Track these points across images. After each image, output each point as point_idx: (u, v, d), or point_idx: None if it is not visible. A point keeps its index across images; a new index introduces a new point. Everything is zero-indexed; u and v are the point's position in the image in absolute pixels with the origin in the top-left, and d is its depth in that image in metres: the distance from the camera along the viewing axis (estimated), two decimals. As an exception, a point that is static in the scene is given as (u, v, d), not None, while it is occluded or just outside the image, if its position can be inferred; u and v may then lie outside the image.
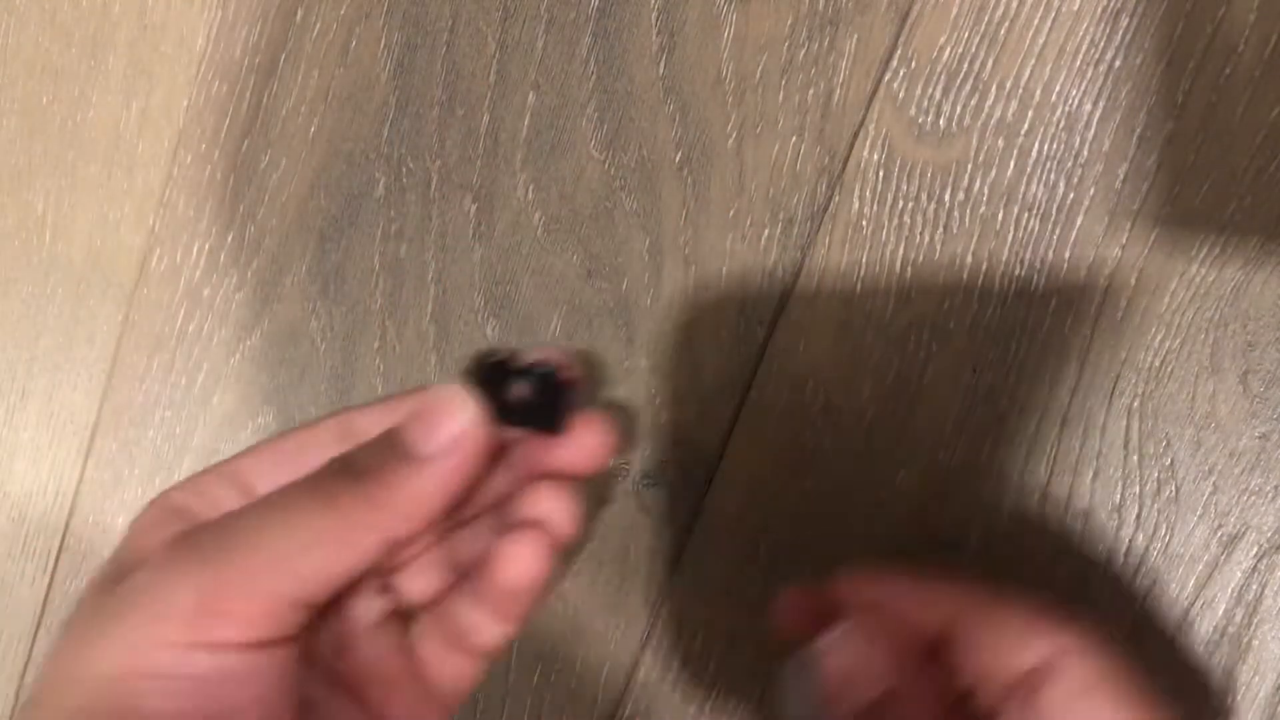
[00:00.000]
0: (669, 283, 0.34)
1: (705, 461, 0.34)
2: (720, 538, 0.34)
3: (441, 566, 0.31)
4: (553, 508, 0.27)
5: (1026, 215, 0.31)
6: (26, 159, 0.39)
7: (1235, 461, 0.30)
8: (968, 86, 0.31)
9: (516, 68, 0.34)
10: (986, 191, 0.31)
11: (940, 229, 0.32)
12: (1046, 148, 0.31)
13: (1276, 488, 0.30)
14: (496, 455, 0.29)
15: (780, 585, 0.31)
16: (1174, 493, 0.31)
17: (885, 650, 0.28)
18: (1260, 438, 0.30)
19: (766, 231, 0.33)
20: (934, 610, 0.27)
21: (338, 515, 0.24)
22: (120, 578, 0.26)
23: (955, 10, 0.31)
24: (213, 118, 0.37)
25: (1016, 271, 0.31)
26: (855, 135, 0.32)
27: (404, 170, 0.35)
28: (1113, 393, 0.31)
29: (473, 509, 0.30)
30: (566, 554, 0.28)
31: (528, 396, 0.27)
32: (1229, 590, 0.30)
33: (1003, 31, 0.31)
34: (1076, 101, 0.31)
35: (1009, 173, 0.31)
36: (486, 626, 0.28)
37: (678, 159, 0.33)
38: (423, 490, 0.25)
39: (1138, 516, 0.31)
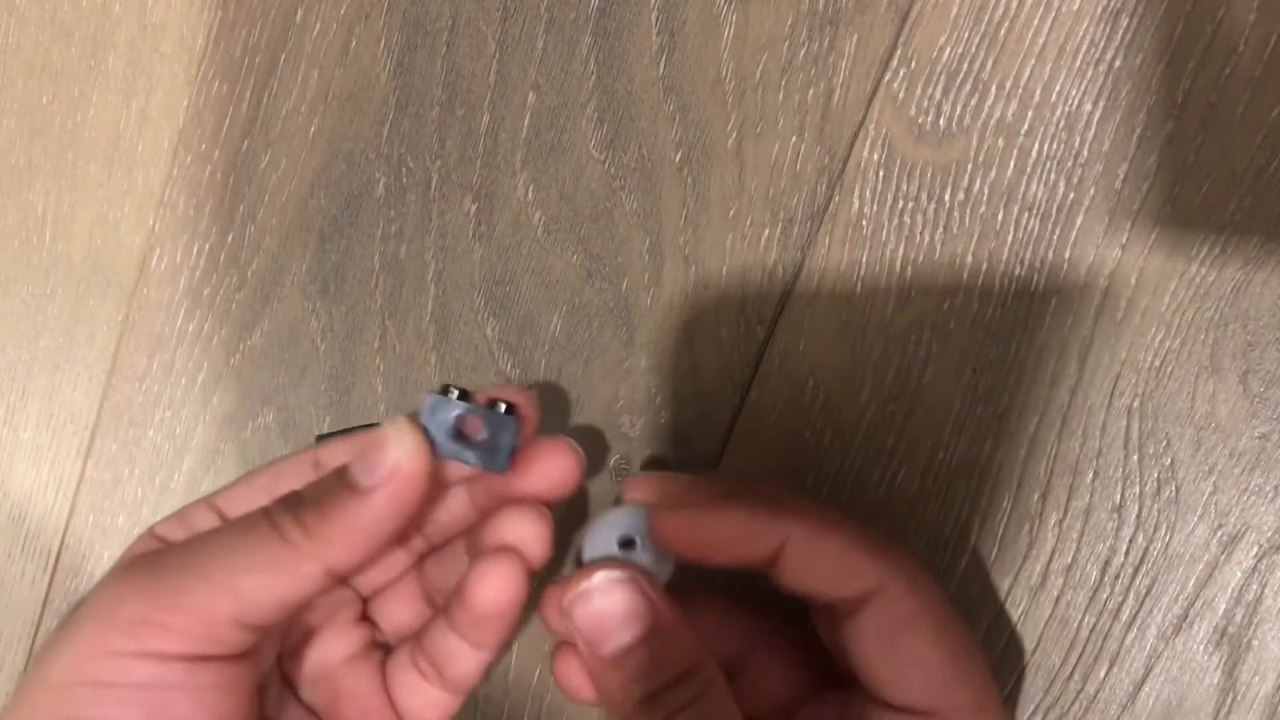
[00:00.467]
0: (669, 283, 0.34)
1: (705, 461, 0.34)
2: (720, 538, 0.34)
3: (417, 596, 0.31)
4: (523, 533, 0.28)
5: (1026, 215, 0.31)
6: (26, 159, 0.39)
7: (1235, 461, 0.30)
8: (968, 86, 0.31)
9: (516, 68, 0.34)
10: (986, 191, 0.31)
11: (940, 229, 0.32)
12: (1046, 148, 0.31)
13: (1276, 488, 0.30)
14: (461, 483, 0.30)
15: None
16: (1174, 493, 0.31)
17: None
18: (1260, 438, 0.30)
19: (766, 231, 0.33)
20: (761, 542, 0.27)
21: (277, 542, 0.25)
22: None
23: (955, 10, 0.31)
24: (213, 118, 0.37)
25: (1016, 271, 0.31)
26: (855, 135, 0.32)
27: (404, 170, 0.35)
28: (1113, 393, 0.31)
29: (445, 535, 0.31)
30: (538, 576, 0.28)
31: (474, 432, 0.27)
32: (1229, 590, 0.30)
33: (1003, 31, 0.31)
34: (1076, 101, 0.31)
35: (1009, 173, 0.31)
36: (463, 654, 0.29)
37: (678, 159, 0.33)
38: (360, 520, 0.25)
39: (1138, 516, 0.31)
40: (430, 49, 0.35)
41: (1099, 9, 0.30)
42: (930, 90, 0.31)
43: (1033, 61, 0.31)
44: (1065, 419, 0.31)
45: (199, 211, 0.37)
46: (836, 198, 0.32)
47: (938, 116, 0.31)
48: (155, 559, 0.26)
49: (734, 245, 0.33)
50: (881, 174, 0.32)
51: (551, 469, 0.28)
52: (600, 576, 0.27)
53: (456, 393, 0.27)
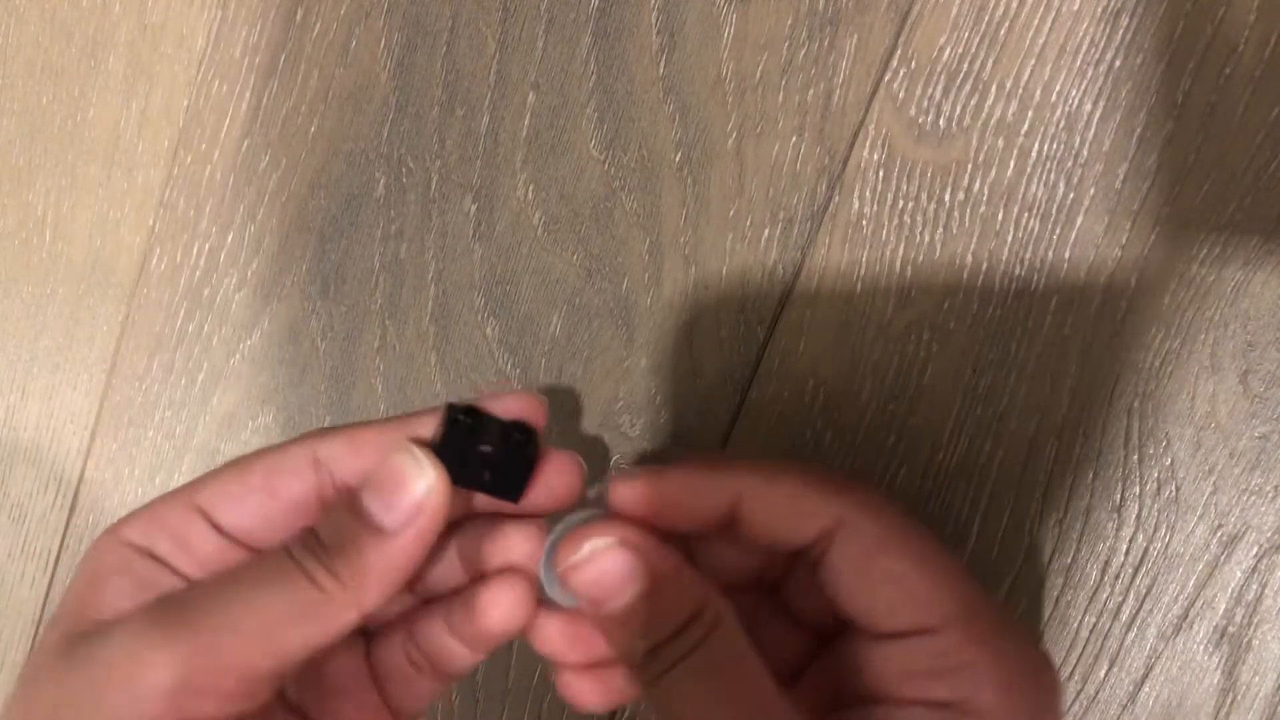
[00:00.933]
0: (669, 283, 0.34)
1: (705, 461, 0.34)
2: (720, 538, 0.34)
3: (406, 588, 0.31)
4: (529, 549, 0.28)
5: (1026, 215, 0.31)
6: (26, 159, 0.39)
7: (1235, 461, 0.30)
8: (968, 86, 0.31)
9: (516, 68, 0.34)
10: (986, 191, 0.31)
11: (940, 229, 0.32)
12: (1046, 148, 0.31)
13: (1276, 488, 0.30)
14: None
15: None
16: (1174, 493, 0.31)
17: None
18: (1260, 438, 0.30)
19: (766, 231, 0.33)
20: (715, 497, 0.27)
21: (311, 590, 0.25)
22: (84, 628, 0.25)
23: (955, 10, 0.31)
24: (213, 118, 0.37)
25: (1016, 271, 0.31)
26: (855, 135, 0.32)
27: (404, 170, 0.35)
28: (1113, 393, 0.31)
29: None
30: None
31: (490, 459, 0.27)
32: (1229, 590, 0.30)
33: (1003, 31, 0.31)
34: (1076, 101, 0.31)
35: (1009, 173, 0.31)
36: (460, 654, 0.29)
37: (678, 159, 0.33)
38: (391, 562, 0.25)
39: (1138, 516, 0.31)
40: (430, 49, 0.35)
41: (1099, 9, 0.30)
42: (930, 90, 0.31)
43: (1033, 61, 0.31)
44: (1065, 419, 0.31)
45: (199, 211, 0.37)
46: (836, 198, 0.32)
47: (938, 116, 0.31)
48: (180, 617, 0.25)
49: (734, 245, 0.33)
50: (881, 174, 0.32)
51: (558, 486, 0.28)
52: (589, 546, 0.27)
53: (465, 413, 0.26)
